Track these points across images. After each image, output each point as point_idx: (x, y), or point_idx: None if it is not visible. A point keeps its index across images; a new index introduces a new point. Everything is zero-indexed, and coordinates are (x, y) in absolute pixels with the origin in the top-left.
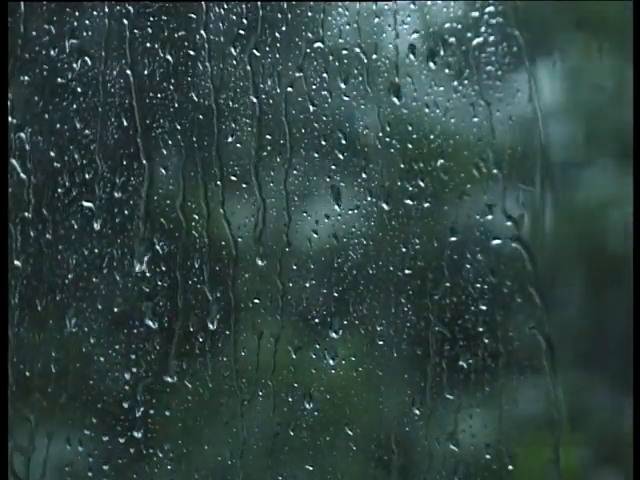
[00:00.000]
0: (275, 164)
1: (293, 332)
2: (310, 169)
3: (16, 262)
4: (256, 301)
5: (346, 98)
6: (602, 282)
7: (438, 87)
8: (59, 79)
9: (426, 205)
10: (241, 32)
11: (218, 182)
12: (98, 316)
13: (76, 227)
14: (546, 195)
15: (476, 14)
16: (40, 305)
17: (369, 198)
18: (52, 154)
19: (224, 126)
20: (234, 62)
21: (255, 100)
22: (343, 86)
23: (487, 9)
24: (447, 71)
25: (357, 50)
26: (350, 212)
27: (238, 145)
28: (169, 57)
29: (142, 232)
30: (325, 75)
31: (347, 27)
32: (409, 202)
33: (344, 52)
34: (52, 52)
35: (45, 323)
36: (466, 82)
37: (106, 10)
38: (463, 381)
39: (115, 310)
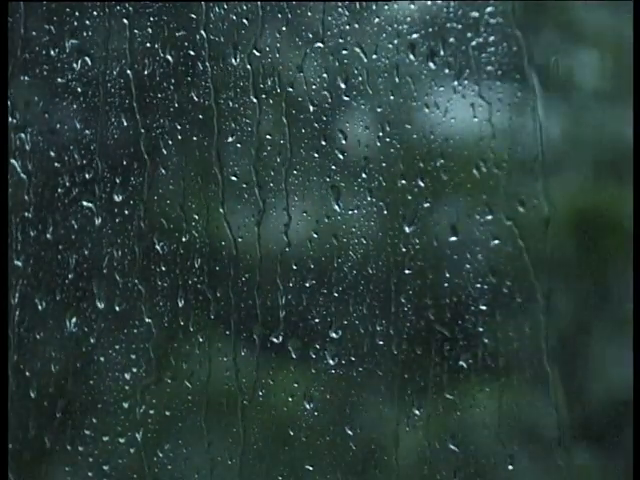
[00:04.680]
0: (275, 164)
1: (292, 332)
2: (310, 169)
3: (16, 262)
4: (256, 301)
5: (346, 98)
6: (601, 280)
7: (438, 87)
8: (59, 79)
9: (426, 205)
10: (241, 32)
11: (218, 182)
12: (98, 316)
13: (76, 227)
14: (546, 194)
15: (476, 14)
16: (40, 305)
17: (369, 198)
18: (52, 154)
19: (224, 126)
20: (234, 62)
21: (255, 100)
22: (343, 86)
23: (487, 9)
24: (447, 71)
25: (357, 50)
26: (350, 212)
27: (238, 145)
28: (169, 57)
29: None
30: (325, 75)
31: (347, 27)
32: (409, 202)
33: (344, 52)
34: (52, 52)
35: (45, 323)
36: (466, 82)
37: (106, 10)
38: (463, 381)
39: (116, 310)
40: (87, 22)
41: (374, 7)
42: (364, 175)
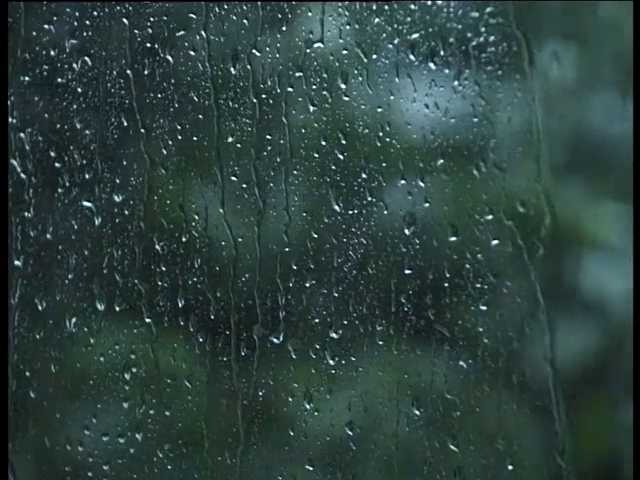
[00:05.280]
0: (275, 164)
1: (293, 332)
2: (310, 169)
3: (16, 262)
4: (256, 301)
5: (346, 98)
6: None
7: (438, 87)
8: (59, 79)
9: (426, 205)
10: (241, 32)
11: (218, 182)
12: (98, 316)
13: (76, 227)
14: (546, 194)
15: (476, 14)
16: (40, 305)
17: (369, 198)
18: (52, 154)
19: (224, 126)
20: (234, 62)
21: (255, 100)
22: (343, 86)
23: (487, 9)
24: (447, 71)
25: (357, 50)
26: (350, 212)
27: (238, 145)
28: (169, 57)
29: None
30: (325, 75)
31: (347, 27)
32: (409, 202)
33: (344, 52)
34: (52, 52)
35: (45, 323)
36: (466, 82)
37: (106, 10)
38: (463, 381)
39: (116, 310)
40: (87, 22)
41: (374, 7)
42: (364, 175)
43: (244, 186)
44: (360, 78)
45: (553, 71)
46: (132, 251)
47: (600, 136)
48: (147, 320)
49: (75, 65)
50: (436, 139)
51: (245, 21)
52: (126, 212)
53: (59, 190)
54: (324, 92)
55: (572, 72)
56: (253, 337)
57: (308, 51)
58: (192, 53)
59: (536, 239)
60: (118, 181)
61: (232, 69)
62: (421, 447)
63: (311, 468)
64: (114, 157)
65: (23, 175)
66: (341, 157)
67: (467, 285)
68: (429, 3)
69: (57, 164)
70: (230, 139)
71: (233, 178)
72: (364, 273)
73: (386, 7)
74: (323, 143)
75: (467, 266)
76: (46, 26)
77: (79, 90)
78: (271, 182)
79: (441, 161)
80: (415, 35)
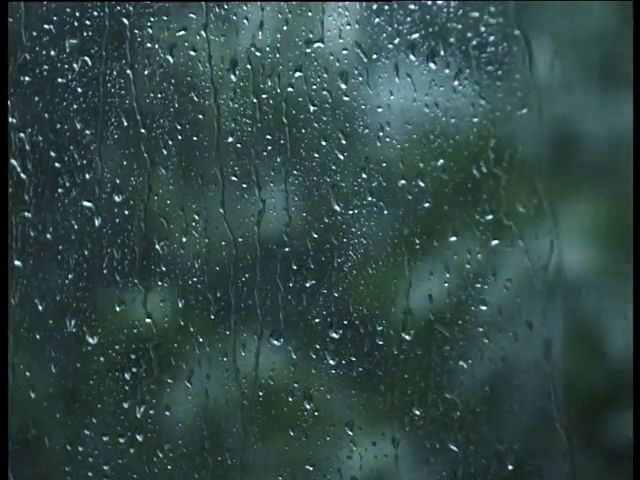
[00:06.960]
0: (275, 164)
1: (293, 332)
2: (310, 169)
3: (16, 262)
4: (256, 301)
5: (346, 98)
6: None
7: (438, 87)
8: (59, 79)
9: (426, 205)
10: (241, 32)
11: (218, 182)
12: (98, 316)
13: (76, 227)
14: (546, 194)
15: (476, 14)
16: (40, 305)
17: (369, 198)
18: (52, 154)
19: (224, 126)
20: (234, 62)
21: (255, 100)
22: (343, 86)
23: (487, 9)
24: (447, 71)
25: (357, 50)
26: (350, 212)
27: (238, 145)
28: (169, 57)
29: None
30: (325, 75)
31: (347, 27)
32: (409, 202)
33: (344, 52)
34: (52, 52)
35: (45, 323)
36: (466, 82)
37: (106, 10)
38: (463, 381)
39: (116, 310)
40: (87, 22)
41: (374, 7)
42: (364, 175)
43: (244, 186)
44: (360, 78)
45: (553, 71)
46: (132, 251)
47: (600, 135)
48: (147, 320)
49: (75, 65)
50: (436, 139)
51: (245, 21)
52: (126, 212)
53: (59, 190)
54: (324, 92)
55: (572, 72)
56: (253, 337)
57: (308, 51)
58: (192, 53)
59: (535, 238)
60: (118, 181)
61: (232, 69)
62: (421, 447)
63: (311, 468)
64: (114, 157)
65: (23, 175)
66: (341, 157)
67: (467, 285)
68: (429, 3)
69: (57, 164)
70: (230, 139)
71: (233, 178)
72: (364, 273)
73: (386, 7)
74: (323, 143)
75: (466, 266)
76: (46, 26)
77: (79, 90)
78: (271, 182)
79: (441, 161)
80: (415, 35)
